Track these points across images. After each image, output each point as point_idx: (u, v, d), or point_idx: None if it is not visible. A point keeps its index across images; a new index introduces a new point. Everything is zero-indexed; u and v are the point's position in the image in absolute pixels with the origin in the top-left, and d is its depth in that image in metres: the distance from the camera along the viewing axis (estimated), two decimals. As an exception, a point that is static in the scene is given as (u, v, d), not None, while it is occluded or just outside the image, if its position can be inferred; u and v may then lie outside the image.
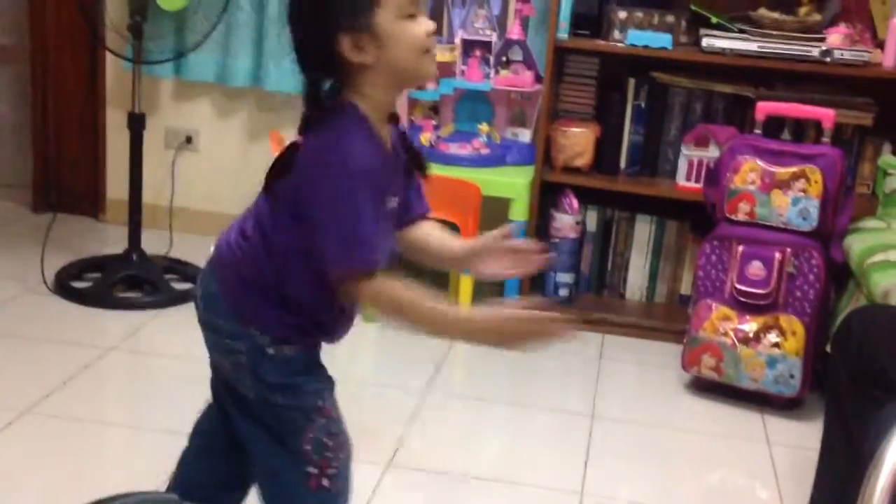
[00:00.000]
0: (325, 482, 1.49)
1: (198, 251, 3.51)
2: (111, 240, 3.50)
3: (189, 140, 3.69)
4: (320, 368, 1.57)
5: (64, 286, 3.13)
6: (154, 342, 2.88)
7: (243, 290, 1.49)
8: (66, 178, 3.81)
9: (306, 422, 1.49)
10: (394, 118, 1.52)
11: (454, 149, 3.19)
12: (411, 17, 1.43)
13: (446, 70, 3.25)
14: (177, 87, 3.65)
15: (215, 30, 3.24)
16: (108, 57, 3.49)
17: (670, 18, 3.07)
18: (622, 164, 3.23)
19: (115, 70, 3.60)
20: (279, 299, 1.48)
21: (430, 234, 1.62)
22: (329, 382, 1.56)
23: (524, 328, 1.40)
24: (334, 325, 1.55)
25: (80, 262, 3.28)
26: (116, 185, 3.68)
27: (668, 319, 3.17)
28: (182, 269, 3.33)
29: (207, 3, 3.19)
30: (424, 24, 1.44)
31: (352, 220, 1.38)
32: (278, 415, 1.49)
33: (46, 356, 2.73)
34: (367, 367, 2.97)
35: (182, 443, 2.36)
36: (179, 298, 3.14)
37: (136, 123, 3.19)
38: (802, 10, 3.02)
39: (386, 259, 1.45)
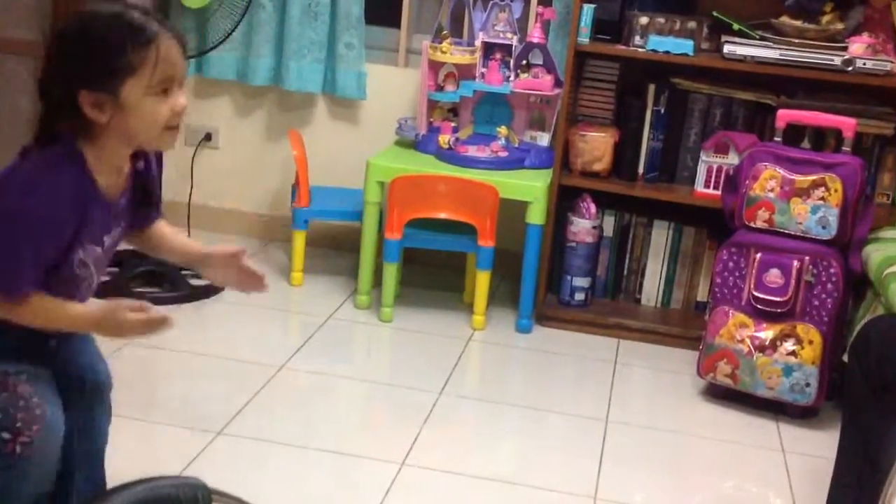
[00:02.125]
0: (18, 448, 1.56)
1: (215, 248, 3.55)
2: (129, 235, 3.52)
3: (209, 137, 3.71)
4: (20, 355, 1.60)
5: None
6: (171, 337, 2.88)
7: None
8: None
9: None
10: (137, 156, 1.61)
11: (473, 151, 3.19)
12: (164, 92, 1.50)
13: (466, 73, 3.26)
14: (198, 85, 3.67)
15: (237, 28, 3.26)
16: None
17: (692, 24, 3.07)
18: (641, 169, 3.23)
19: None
20: None
21: (163, 231, 1.77)
22: (28, 370, 1.61)
23: (120, 322, 1.52)
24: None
25: (98, 256, 3.30)
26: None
27: (683, 326, 3.16)
28: (199, 265, 3.35)
29: (230, 1, 3.21)
30: (172, 102, 1.51)
31: (4, 252, 1.47)
32: None
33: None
34: (383, 367, 2.98)
35: (197, 435, 2.38)
36: (196, 294, 3.16)
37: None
38: (825, 19, 3.01)
39: (35, 287, 1.51)
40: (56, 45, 1.49)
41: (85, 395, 1.74)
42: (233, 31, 3.24)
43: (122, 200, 1.61)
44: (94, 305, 1.58)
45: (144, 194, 1.67)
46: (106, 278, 3.16)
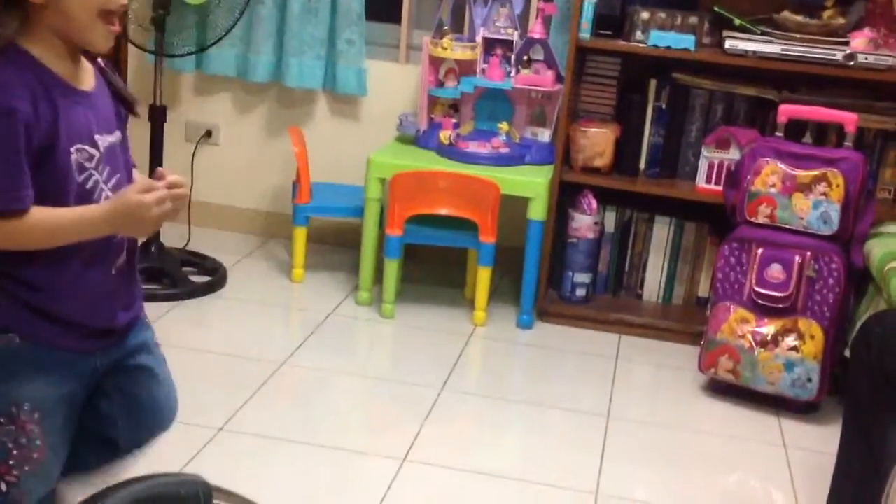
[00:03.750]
0: (2, 485, 1.48)
1: (216, 244, 3.55)
2: (130, 232, 3.52)
3: (209, 134, 3.70)
4: (38, 375, 1.49)
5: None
6: (172, 334, 2.88)
7: None
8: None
9: None
10: (89, 56, 1.52)
11: (473, 147, 3.19)
12: None
13: (467, 68, 3.26)
14: (198, 81, 3.67)
15: (237, 24, 3.25)
16: (131, 49, 3.51)
17: (693, 20, 3.06)
18: (642, 165, 3.22)
19: (137, 63, 3.62)
20: None
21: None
22: (45, 401, 1.49)
23: (134, 207, 1.42)
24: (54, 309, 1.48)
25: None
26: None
27: (685, 321, 3.16)
28: (200, 262, 3.35)
29: (230, -2, 3.20)
30: None
31: None
32: None
33: None
34: (384, 363, 2.98)
35: (198, 432, 2.38)
36: (197, 291, 3.16)
37: (158, 116, 3.21)
38: (826, 14, 3.00)
39: (30, 200, 1.40)
40: None
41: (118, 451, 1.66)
42: (232, 27, 3.23)
43: (97, 93, 1.52)
44: (99, 204, 1.46)
45: (114, 89, 1.58)
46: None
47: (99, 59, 1.56)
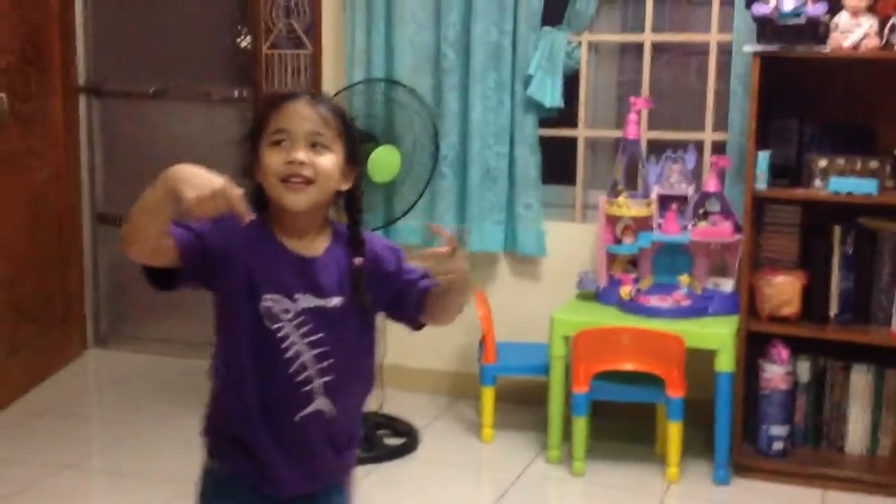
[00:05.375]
0: None
1: (409, 407, 3.66)
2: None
3: (398, 300, 3.86)
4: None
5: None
6: (369, 498, 2.97)
7: None
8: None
9: None
10: (354, 250, 1.63)
11: (655, 301, 3.20)
12: (276, 144, 1.56)
13: (643, 224, 3.31)
14: (386, 251, 3.86)
15: (421, 197, 3.45)
16: (325, 226, 3.76)
17: (874, 164, 3.03)
18: (832, 311, 3.14)
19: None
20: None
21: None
22: None
23: (184, 176, 1.46)
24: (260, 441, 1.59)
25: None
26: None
27: (893, 473, 2.98)
28: (394, 424, 3.46)
29: (414, 174, 3.41)
30: (285, 154, 1.55)
31: None
32: None
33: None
34: None
35: None
36: (392, 454, 3.25)
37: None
38: None
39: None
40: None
41: None
42: (417, 200, 3.43)
43: (321, 261, 1.61)
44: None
45: (400, 289, 1.66)
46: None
47: (357, 260, 1.64)
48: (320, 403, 1.60)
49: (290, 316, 1.58)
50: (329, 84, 3.78)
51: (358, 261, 1.64)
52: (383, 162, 3.26)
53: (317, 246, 1.63)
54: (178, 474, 3.07)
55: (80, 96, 4.25)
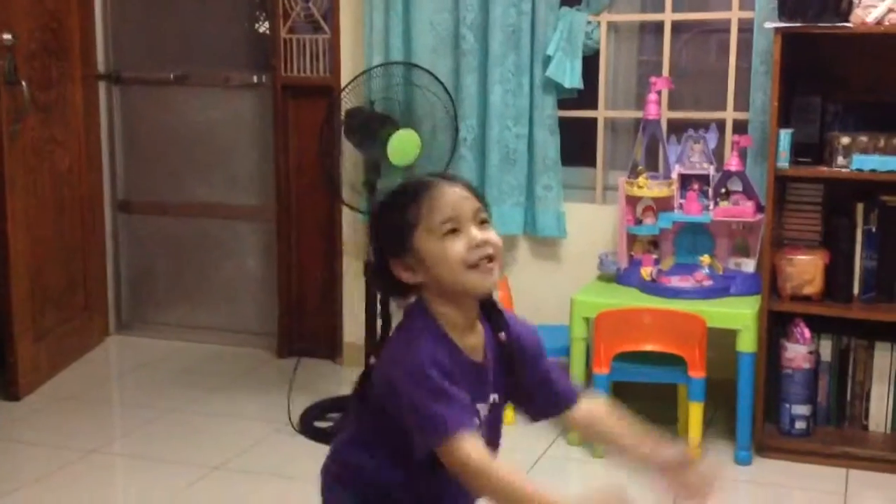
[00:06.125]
0: None
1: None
2: (348, 381, 3.69)
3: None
4: None
5: (308, 426, 3.32)
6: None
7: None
8: (307, 324, 4.09)
9: None
10: (496, 326, 1.58)
11: (676, 282, 3.19)
12: (451, 233, 1.48)
13: (664, 204, 3.29)
14: (406, 235, 3.87)
15: (441, 180, 3.45)
16: (345, 211, 3.77)
17: (897, 140, 3.00)
18: (855, 290, 3.12)
19: (350, 223, 3.88)
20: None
21: (591, 413, 1.69)
22: None
23: None
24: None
25: (320, 403, 3.48)
26: (352, 330, 3.90)
27: (919, 453, 2.97)
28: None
29: (434, 157, 3.41)
30: (465, 239, 1.48)
31: (426, 402, 1.44)
32: None
33: (292, 494, 2.89)
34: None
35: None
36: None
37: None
38: None
39: (471, 427, 1.46)
40: (368, 227, 1.60)
41: None
42: (437, 182, 3.43)
43: (487, 363, 1.57)
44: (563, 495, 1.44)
45: (538, 378, 1.63)
46: (328, 423, 3.34)
47: (505, 331, 1.61)
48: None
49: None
50: (347, 68, 3.79)
51: (503, 337, 1.59)
52: (403, 145, 3.26)
53: (479, 345, 1.57)
54: (198, 458, 3.10)
55: (100, 84, 4.27)
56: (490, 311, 1.61)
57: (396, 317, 3.61)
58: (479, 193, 1.56)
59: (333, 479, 1.65)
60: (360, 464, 1.60)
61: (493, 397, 1.59)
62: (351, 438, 1.63)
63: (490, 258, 1.51)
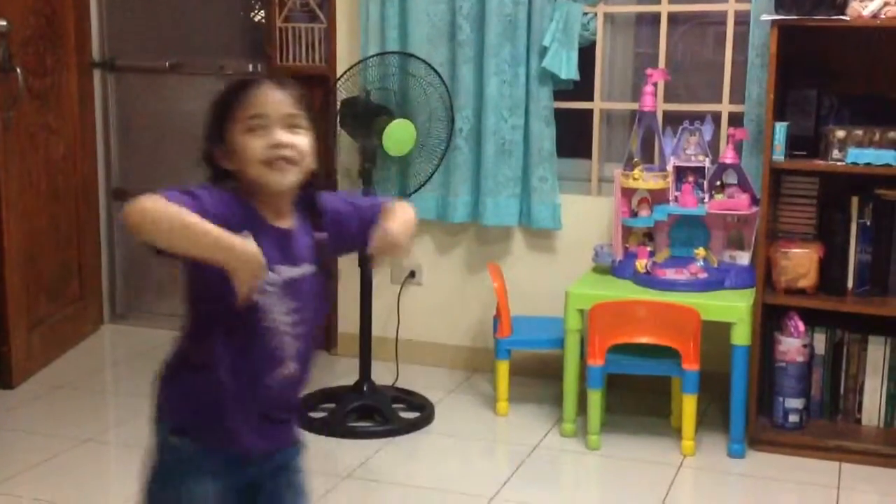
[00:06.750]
0: None
1: (422, 380, 3.67)
2: (343, 372, 3.70)
3: (413, 275, 3.88)
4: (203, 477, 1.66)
5: (301, 416, 3.31)
6: (385, 470, 2.99)
7: None
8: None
9: None
10: (315, 218, 1.69)
11: (671, 274, 3.19)
12: (256, 130, 1.59)
13: (659, 197, 3.29)
14: (401, 226, 3.86)
15: (436, 171, 3.44)
16: (340, 200, 3.76)
17: (893, 134, 2.99)
18: (849, 283, 3.12)
19: (345, 212, 3.87)
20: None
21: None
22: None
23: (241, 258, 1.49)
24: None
25: (315, 393, 3.48)
26: (347, 320, 3.91)
27: (911, 447, 2.98)
28: (408, 398, 3.47)
29: (429, 148, 3.41)
30: (267, 138, 1.59)
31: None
32: None
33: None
34: (593, 497, 2.96)
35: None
36: (408, 427, 3.26)
37: (368, 262, 3.40)
38: None
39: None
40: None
41: None
42: (433, 174, 3.43)
43: (296, 234, 1.67)
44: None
45: (357, 223, 1.73)
46: (322, 414, 3.34)
47: (318, 234, 1.71)
48: (290, 366, 1.67)
49: (272, 288, 1.62)
50: (343, 57, 3.77)
51: (320, 236, 1.70)
52: (398, 135, 3.25)
53: (289, 219, 1.68)
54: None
55: (94, 71, 4.26)
56: (310, 209, 1.70)
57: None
58: (304, 104, 1.64)
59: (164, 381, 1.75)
60: (185, 351, 1.69)
61: (307, 269, 1.67)
62: (183, 334, 1.72)
63: (288, 160, 1.60)
